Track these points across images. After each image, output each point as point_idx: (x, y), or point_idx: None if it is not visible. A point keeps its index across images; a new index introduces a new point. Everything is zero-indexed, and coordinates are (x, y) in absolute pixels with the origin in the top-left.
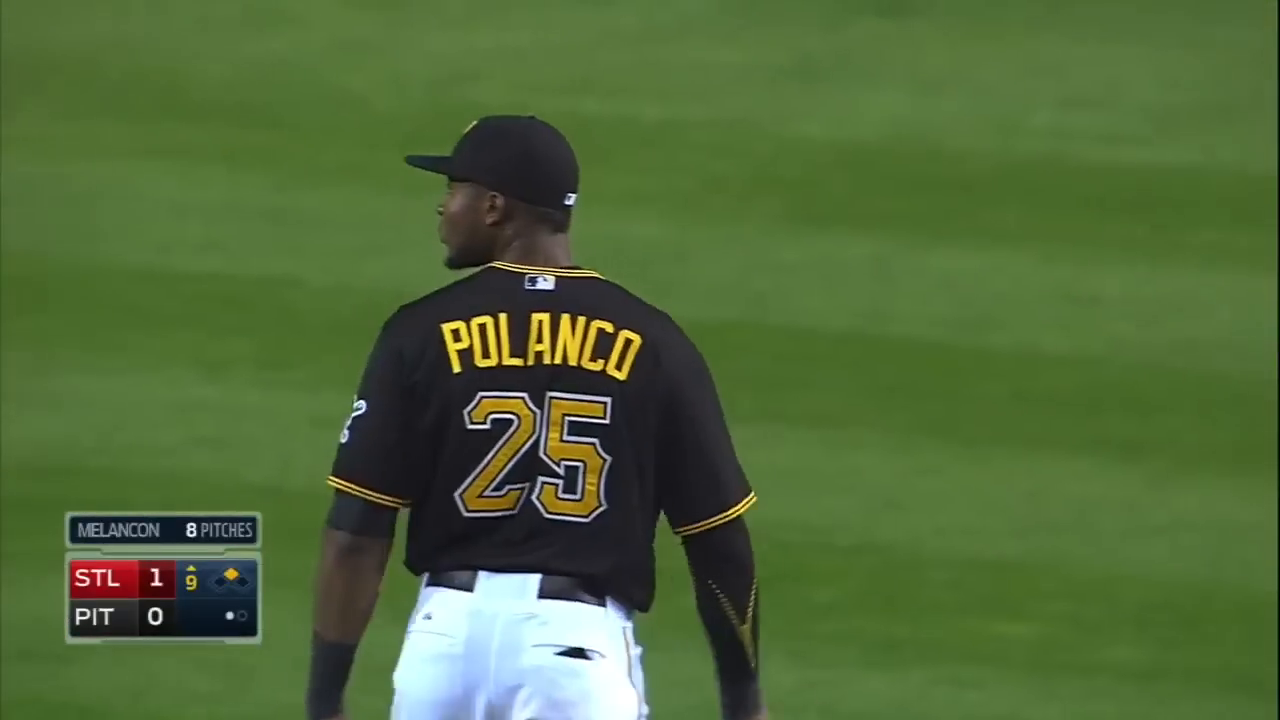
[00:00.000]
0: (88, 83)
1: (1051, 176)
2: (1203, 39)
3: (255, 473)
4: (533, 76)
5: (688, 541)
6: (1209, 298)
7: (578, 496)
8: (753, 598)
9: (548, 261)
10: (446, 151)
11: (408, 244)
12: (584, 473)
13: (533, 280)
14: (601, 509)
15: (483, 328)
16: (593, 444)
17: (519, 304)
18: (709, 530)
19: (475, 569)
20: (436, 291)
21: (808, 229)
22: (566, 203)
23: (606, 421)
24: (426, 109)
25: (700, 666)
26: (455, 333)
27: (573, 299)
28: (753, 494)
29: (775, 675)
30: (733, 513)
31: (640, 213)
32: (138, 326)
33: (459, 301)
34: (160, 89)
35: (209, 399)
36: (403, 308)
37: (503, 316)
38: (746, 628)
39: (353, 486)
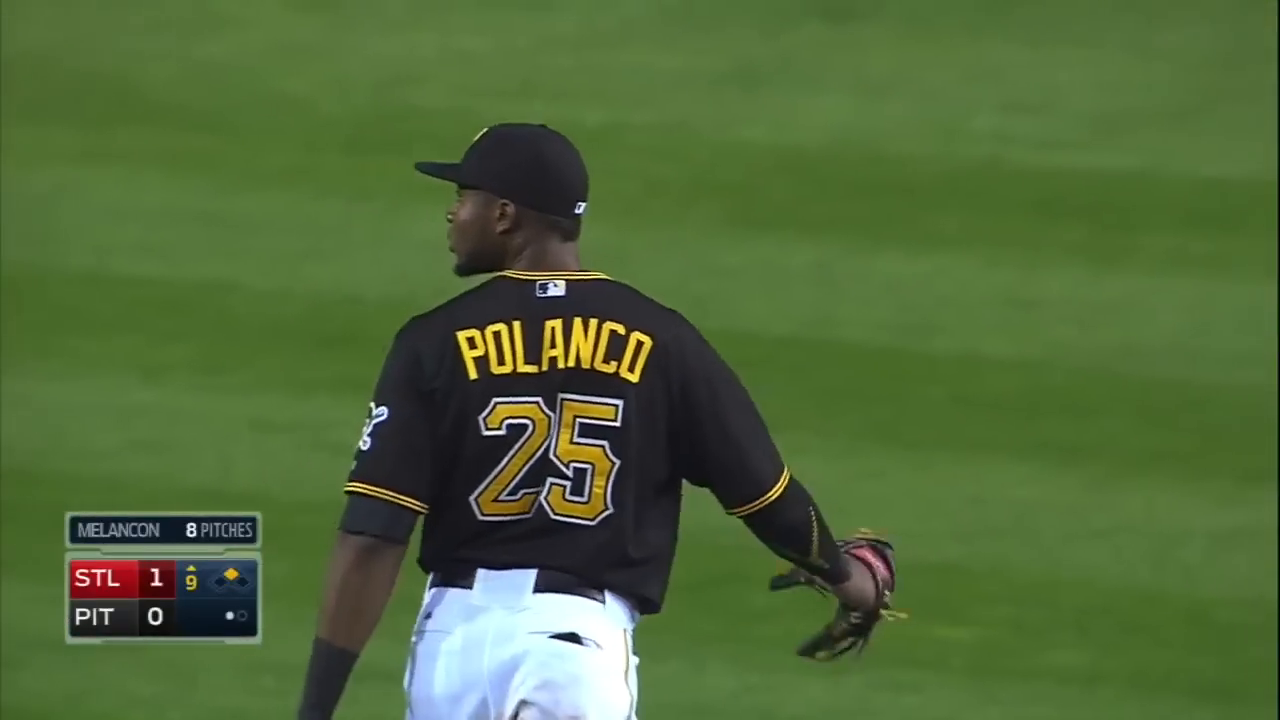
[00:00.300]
0: (34, 86)
1: (993, 181)
2: (1144, 44)
3: (195, 476)
4: (474, 80)
5: (749, 524)
6: (1150, 302)
7: (584, 499)
8: (814, 536)
9: (558, 268)
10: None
11: (349, 248)
12: (592, 475)
13: (544, 287)
14: (607, 512)
15: (497, 335)
16: (602, 446)
17: (532, 311)
18: (753, 511)
19: (476, 565)
20: (448, 301)
21: (749, 233)
22: (576, 211)
23: (617, 424)
24: (368, 112)
25: (643, 672)
26: (471, 340)
27: (584, 302)
28: (786, 471)
29: (714, 679)
30: (769, 496)
31: None
32: (78, 331)
33: (472, 310)
34: (105, 92)
35: (148, 403)
36: (414, 318)
37: (516, 324)
38: (814, 557)
39: (379, 490)
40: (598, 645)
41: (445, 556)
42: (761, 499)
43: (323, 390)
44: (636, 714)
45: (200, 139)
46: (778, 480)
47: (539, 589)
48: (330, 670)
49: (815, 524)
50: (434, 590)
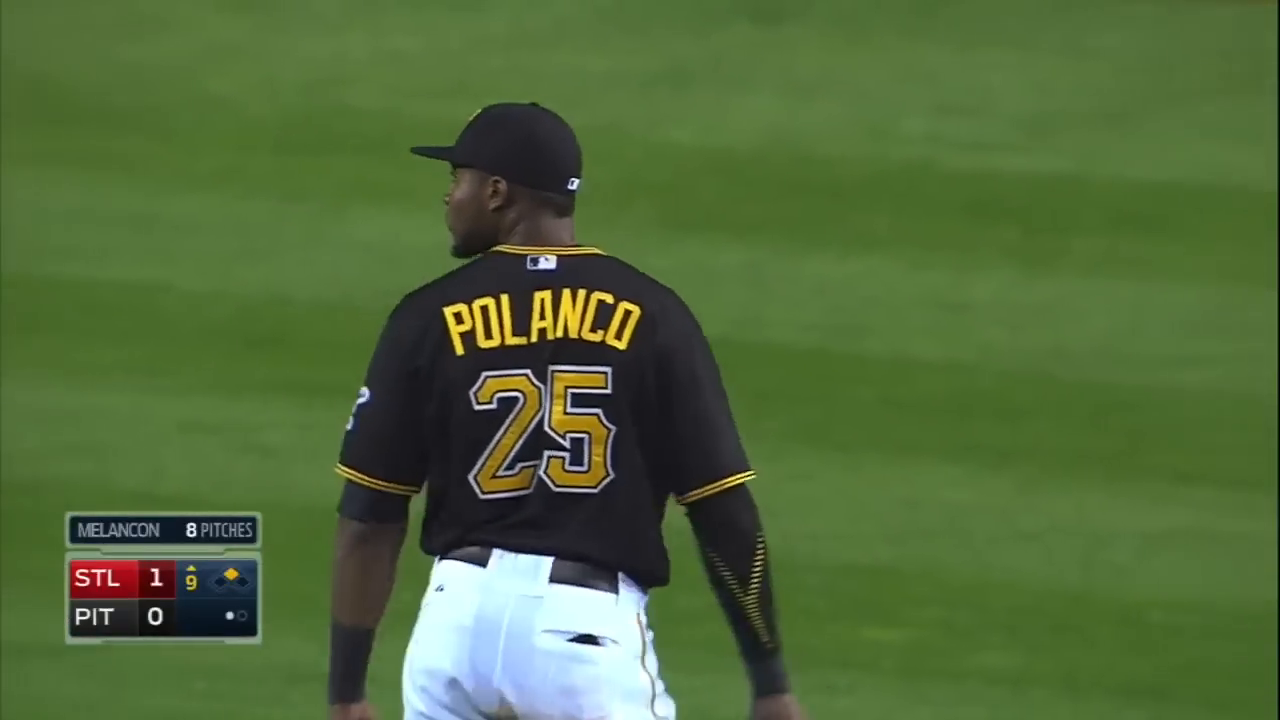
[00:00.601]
0: None
1: (924, 183)
2: (1075, 47)
3: (127, 479)
4: (406, 81)
5: (689, 511)
6: (1081, 305)
7: (585, 468)
8: (756, 568)
9: (551, 244)
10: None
11: (281, 248)
12: (590, 444)
13: (535, 260)
14: (609, 479)
15: (485, 309)
16: (596, 414)
17: (521, 284)
18: (706, 498)
19: (490, 546)
20: (441, 276)
21: (679, 235)
22: (570, 187)
23: (608, 391)
24: (299, 113)
25: None
26: (457, 315)
27: (574, 274)
28: (751, 470)
29: None
30: (728, 481)
31: None
32: (6, 333)
33: (462, 285)
34: (33, 95)
35: (78, 406)
36: (407, 295)
37: (504, 297)
38: (751, 598)
39: (358, 474)
40: (614, 642)
41: (456, 538)
42: (717, 483)
43: (253, 392)
44: (661, 678)
45: (131, 140)
46: (740, 473)
47: (555, 579)
48: (348, 647)
49: (761, 552)
50: (444, 563)
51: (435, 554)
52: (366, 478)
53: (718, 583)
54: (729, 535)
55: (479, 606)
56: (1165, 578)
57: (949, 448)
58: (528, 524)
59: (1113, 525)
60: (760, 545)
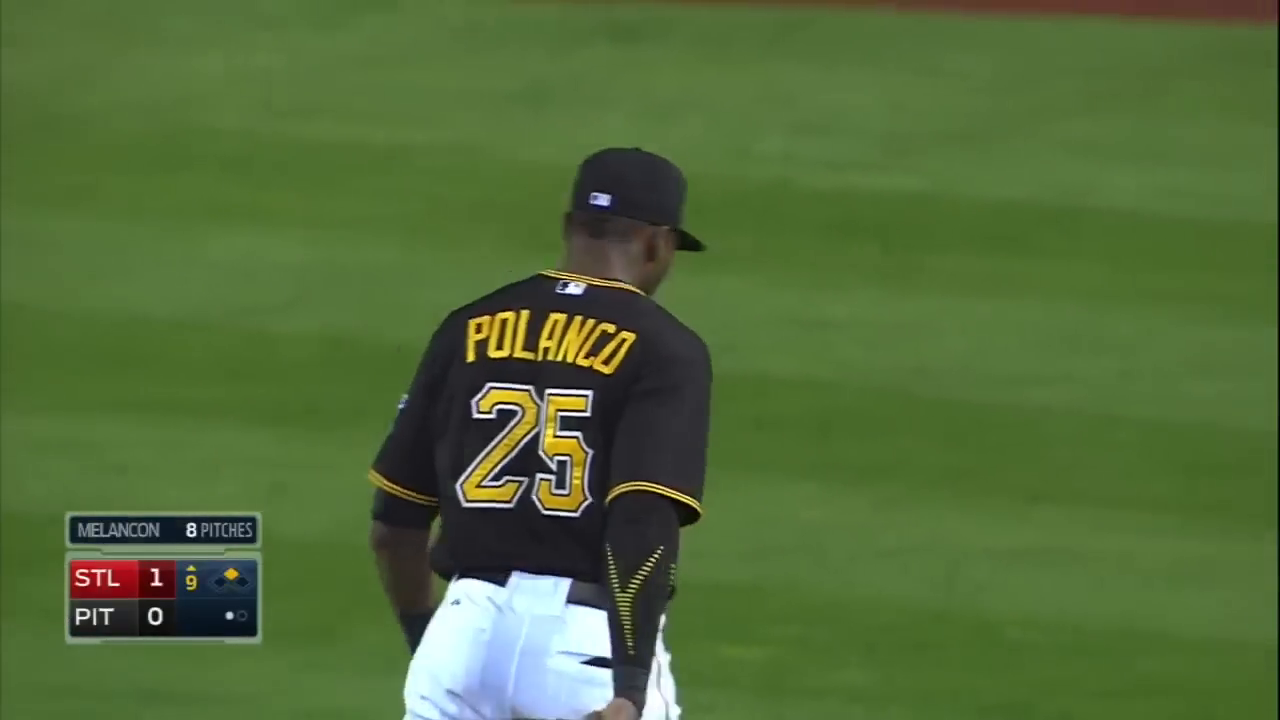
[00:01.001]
0: None
1: (782, 202)
2: (930, 67)
3: None
4: (261, 100)
5: (606, 511)
6: (940, 323)
7: (566, 492)
8: (644, 575)
9: (581, 268)
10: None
11: (130, 269)
12: (571, 467)
13: (564, 285)
14: (588, 503)
15: (504, 322)
16: (577, 438)
17: (543, 304)
18: (623, 494)
19: (508, 569)
20: (490, 292)
21: (536, 255)
22: (594, 202)
23: (588, 414)
24: (154, 132)
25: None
26: (478, 326)
27: (593, 304)
28: (690, 498)
29: None
30: (650, 487)
31: (368, 237)
32: None
33: (496, 299)
34: None
35: None
36: (455, 310)
37: (524, 313)
38: (627, 598)
39: (378, 478)
40: None
41: (461, 553)
42: (639, 484)
43: (104, 412)
44: (678, 703)
45: None
46: (672, 487)
47: (572, 599)
48: (409, 626)
49: (654, 561)
50: (460, 580)
51: (443, 574)
52: (386, 482)
53: (604, 575)
54: (628, 533)
55: (495, 623)
56: (1022, 595)
57: (807, 466)
58: (540, 545)
59: (970, 543)
60: (657, 556)
